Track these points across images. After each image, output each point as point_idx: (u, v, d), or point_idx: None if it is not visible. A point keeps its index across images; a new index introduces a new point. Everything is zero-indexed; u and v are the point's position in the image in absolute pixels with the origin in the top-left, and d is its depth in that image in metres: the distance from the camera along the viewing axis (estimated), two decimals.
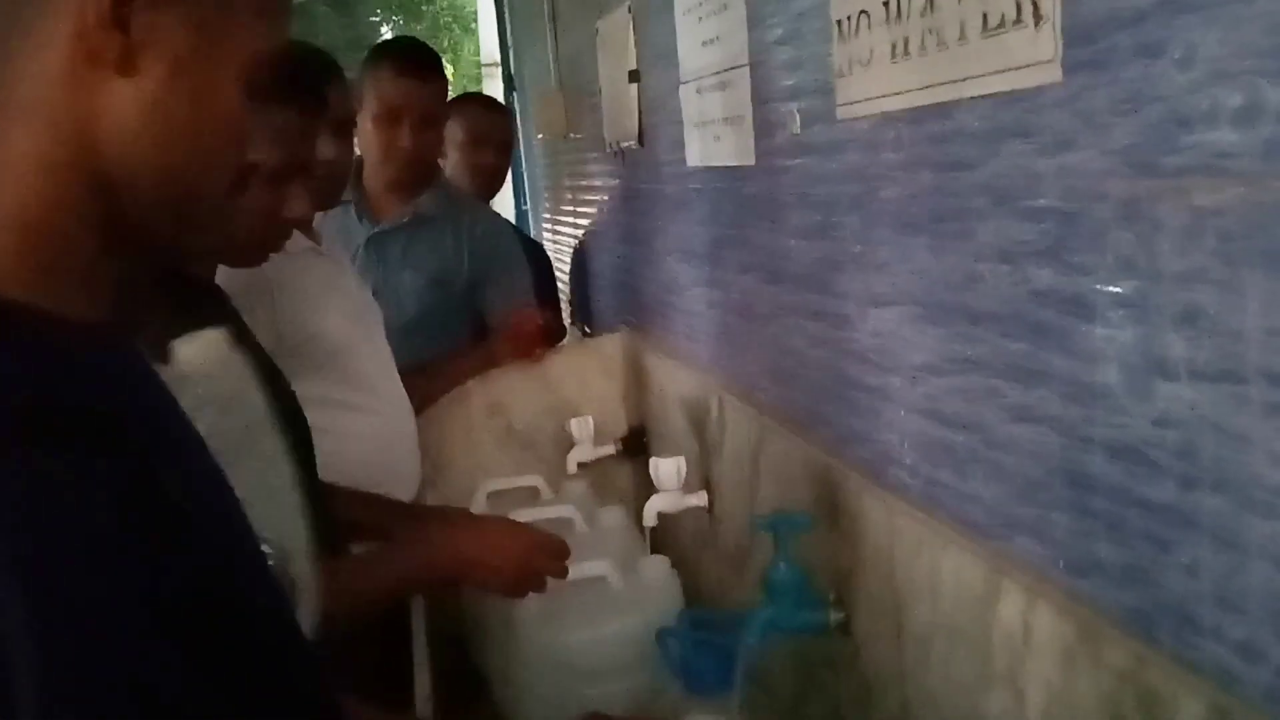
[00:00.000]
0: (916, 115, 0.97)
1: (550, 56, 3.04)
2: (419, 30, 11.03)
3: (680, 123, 1.69)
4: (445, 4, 11.86)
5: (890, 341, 1.07)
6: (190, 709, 0.50)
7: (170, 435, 0.58)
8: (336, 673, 0.65)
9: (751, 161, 1.40)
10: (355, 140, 1.93)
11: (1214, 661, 0.68)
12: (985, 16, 0.83)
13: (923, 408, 1.02)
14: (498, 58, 4.56)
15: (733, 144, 1.46)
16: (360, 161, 2.15)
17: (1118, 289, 0.73)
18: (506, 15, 4.40)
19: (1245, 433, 0.64)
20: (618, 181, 2.35)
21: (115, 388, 0.56)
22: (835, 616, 1.15)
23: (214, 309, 1.26)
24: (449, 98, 2.36)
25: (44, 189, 0.55)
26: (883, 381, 1.10)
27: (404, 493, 1.71)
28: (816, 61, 1.16)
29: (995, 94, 0.84)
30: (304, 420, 1.34)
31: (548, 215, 3.81)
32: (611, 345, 2.22)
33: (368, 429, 1.69)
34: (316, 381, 1.56)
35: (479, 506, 1.80)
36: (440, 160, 2.36)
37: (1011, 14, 0.80)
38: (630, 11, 1.99)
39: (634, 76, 2.00)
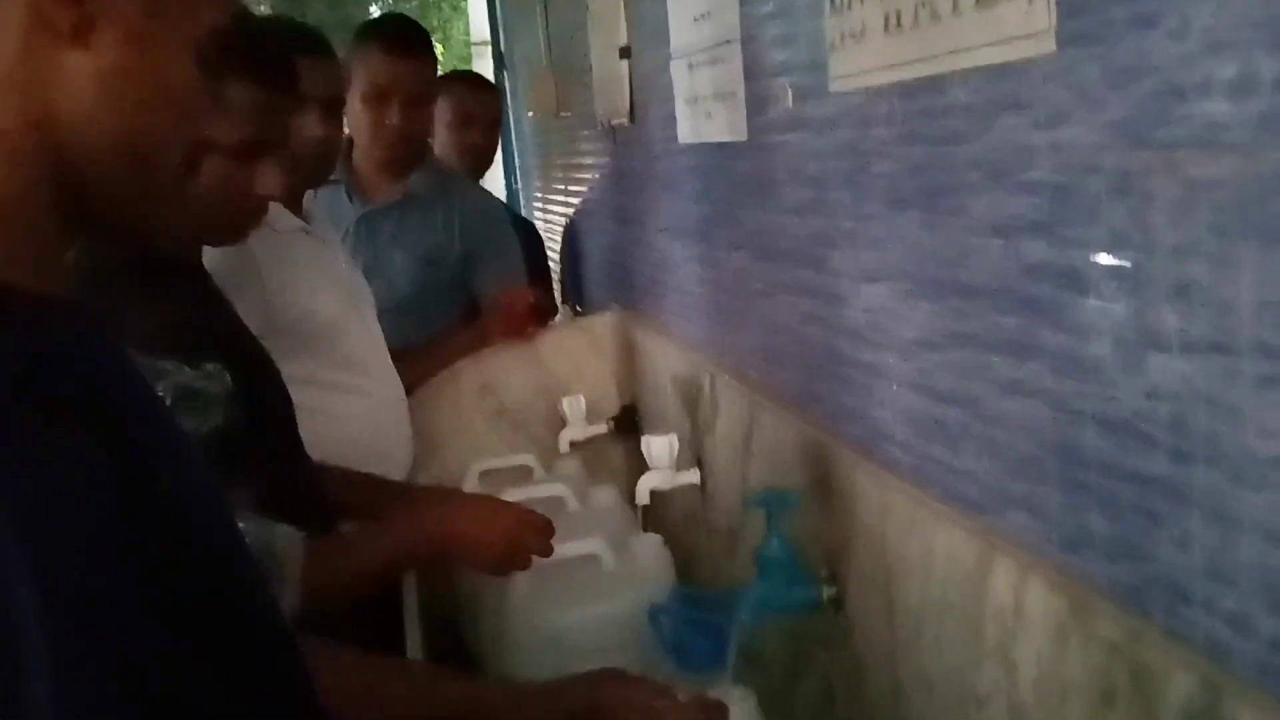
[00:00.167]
0: (909, 89, 0.96)
1: (541, 34, 3.02)
2: (409, 8, 10.95)
3: (672, 100, 1.67)
4: None
5: (882, 317, 1.07)
6: (184, 698, 0.50)
7: (138, 407, 0.58)
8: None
9: (744, 138, 1.39)
10: (345, 119, 1.92)
11: (1205, 635, 0.68)
12: None
13: (915, 383, 1.02)
14: (488, 36, 4.52)
15: (725, 120, 1.45)
16: (350, 141, 2.14)
17: (1111, 262, 0.73)
18: None
19: (1237, 405, 0.64)
20: (609, 159, 2.34)
21: (90, 367, 0.55)
22: (827, 593, 1.16)
23: (191, 290, 1.25)
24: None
25: (2, 165, 0.54)
26: (875, 358, 1.10)
27: (396, 473, 1.71)
28: (809, 35, 1.16)
29: (988, 67, 0.84)
30: (288, 402, 1.34)
31: (539, 194, 3.80)
32: (603, 324, 2.22)
33: (359, 409, 1.69)
34: (307, 361, 1.55)
35: (471, 486, 1.80)
36: (429, 139, 2.35)
37: None
38: None
39: (625, 53, 1.98)
